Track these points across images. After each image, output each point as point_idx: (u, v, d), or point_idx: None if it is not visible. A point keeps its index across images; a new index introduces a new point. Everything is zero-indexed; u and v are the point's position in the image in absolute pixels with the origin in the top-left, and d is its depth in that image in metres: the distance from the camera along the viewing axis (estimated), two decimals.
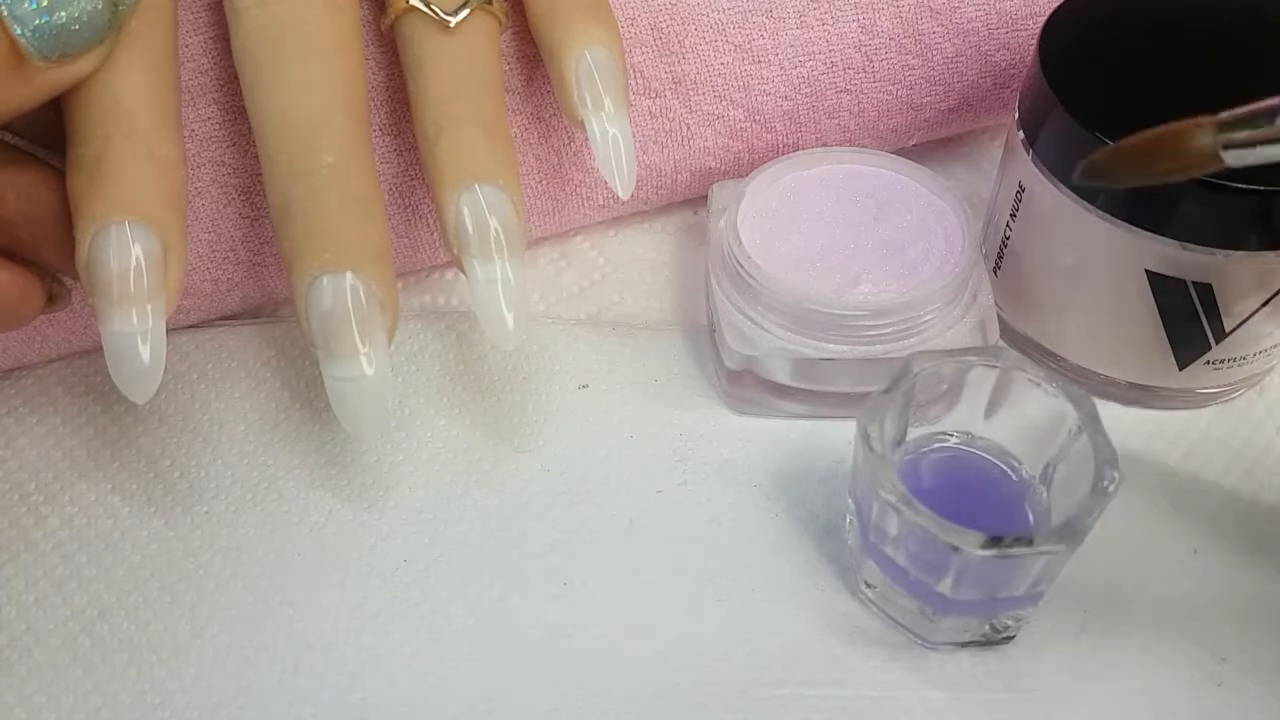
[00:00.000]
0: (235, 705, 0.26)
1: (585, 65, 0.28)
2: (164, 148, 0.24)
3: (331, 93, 0.25)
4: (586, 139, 0.32)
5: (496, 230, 0.26)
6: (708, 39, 0.32)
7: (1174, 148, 0.22)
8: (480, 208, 0.26)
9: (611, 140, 0.28)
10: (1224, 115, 0.21)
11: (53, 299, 0.26)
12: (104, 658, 0.26)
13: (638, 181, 0.34)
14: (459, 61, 0.27)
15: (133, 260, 0.23)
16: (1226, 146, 0.21)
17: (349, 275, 0.24)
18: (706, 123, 0.33)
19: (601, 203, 0.34)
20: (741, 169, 0.34)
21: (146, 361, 0.23)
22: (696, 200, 0.36)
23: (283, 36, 0.25)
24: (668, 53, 0.32)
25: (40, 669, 0.26)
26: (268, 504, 0.29)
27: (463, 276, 0.35)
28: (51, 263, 0.25)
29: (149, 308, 0.23)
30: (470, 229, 0.26)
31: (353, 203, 0.25)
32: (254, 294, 0.32)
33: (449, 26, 0.27)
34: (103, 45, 0.23)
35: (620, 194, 0.28)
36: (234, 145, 0.29)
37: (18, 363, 0.32)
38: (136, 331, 0.23)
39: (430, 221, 0.32)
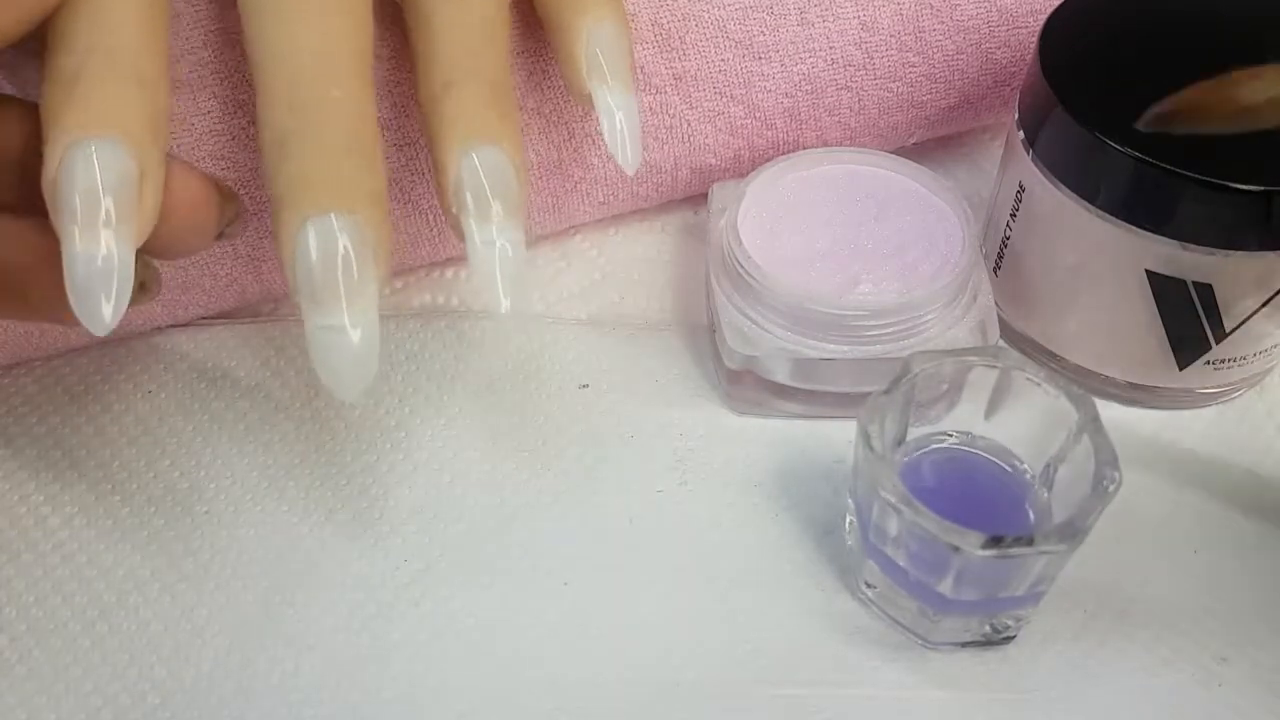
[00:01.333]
0: (235, 705, 0.26)
1: (592, 41, 0.27)
2: (151, 67, 0.22)
3: (342, 27, 0.24)
4: (585, 136, 0.32)
5: (497, 192, 0.25)
6: (708, 35, 0.32)
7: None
8: (481, 169, 0.25)
9: (618, 116, 0.28)
10: None
11: (144, 287, 0.25)
12: (104, 658, 0.26)
13: (637, 179, 0.34)
14: (469, 17, 0.26)
15: (104, 178, 0.21)
16: None
17: (345, 217, 0.22)
18: (707, 119, 0.33)
19: (602, 200, 0.34)
20: (742, 166, 0.34)
21: (113, 289, 0.21)
22: (697, 199, 0.36)
23: None
24: (668, 49, 0.32)
25: (40, 669, 0.26)
26: (268, 504, 0.29)
27: (463, 275, 0.35)
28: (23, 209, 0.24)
29: (118, 232, 0.21)
30: (469, 190, 0.25)
31: (353, 141, 0.24)
32: (253, 289, 0.32)
33: None
34: None
35: (627, 170, 0.28)
36: (233, 139, 0.29)
37: (18, 359, 0.32)
38: (100, 256, 0.21)
39: (430, 216, 0.32)
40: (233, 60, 0.26)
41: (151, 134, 0.22)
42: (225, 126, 0.29)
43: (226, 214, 0.25)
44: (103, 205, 0.21)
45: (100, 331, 0.21)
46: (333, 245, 0.22)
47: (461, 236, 0.25)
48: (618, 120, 0.28)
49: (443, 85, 0.26)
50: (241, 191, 0.30)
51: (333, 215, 0.22)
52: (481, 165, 0.25)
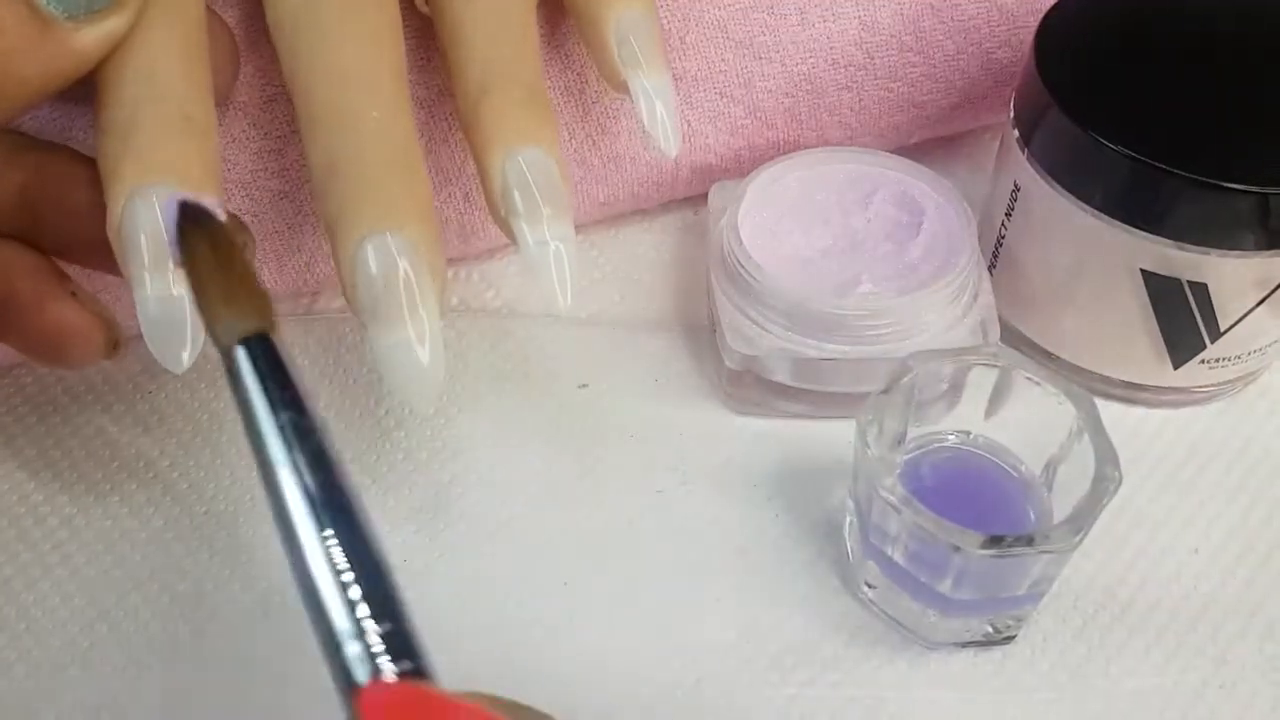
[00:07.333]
0: (235, 705, 0.26)
1: (622, 28, 0.28)
2: (199, 112, 0.23)
3: (378, 47, 0.25)
4: (585, 137, 0.32)
5: (544, 192, 0.25)
6: (709, 35, 0.32)
7: None
8: (527, 170, 0.25)
9: (655, 100, 0.28)
10: None
11: (116, 345, 0.25)
12: (104, 658, 0.26)
13: (637, 179, 0.34)
14: (500, 22, 0.27)
15: (167, 223, 0.22)
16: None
17: (399, 235, 0.23)
18: (707, 119, 0.33)
19: (602, 200, 0.34)
20: (742, 166, 0.34)
21: (186, 329, 0.22)
22: (697, 199, 0.36)
23: None
24: (669, 49, 0.32)
25: (40, 669, 0.26)
26: (268, 504, 0.29)
27: (464, 274, 0.35)
28: (80, 257, 0.25)
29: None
30: (517, 192, 0.25)
31: (399, 159, 0.24)
32: None
33: None
34: None
35: (668, 153, 0.28)
36: (234, 141, 0.29)
37: (18, 359, 0.32)
38: (175, 299, 0.22)
39: (438, 214, 0.32)
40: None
41: (207, 177, 0.23)
42: (224, 126, 0.29)
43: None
44: (168, 248, 0.22)
45: (177, 369, 0.22)
46: (391, 261, 0.23)
47: (513, 239, 0.26)
48: (656, 104, 0.28)
49: (479, 91, 0.26)
50: (242, 189, 0.30)
51: (388, 233, 0.23)
52: (527, 167, 0.25)
